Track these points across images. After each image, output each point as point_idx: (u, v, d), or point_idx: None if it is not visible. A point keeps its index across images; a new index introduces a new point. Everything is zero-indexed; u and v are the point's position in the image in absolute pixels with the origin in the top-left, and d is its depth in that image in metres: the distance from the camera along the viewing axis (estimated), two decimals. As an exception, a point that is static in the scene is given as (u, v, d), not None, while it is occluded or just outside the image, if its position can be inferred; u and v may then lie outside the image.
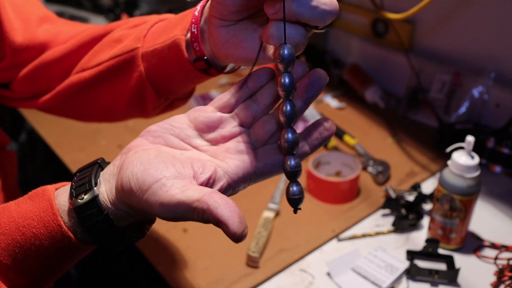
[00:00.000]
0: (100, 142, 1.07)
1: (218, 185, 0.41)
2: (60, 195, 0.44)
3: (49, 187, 0.45)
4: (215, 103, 0.46)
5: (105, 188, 0.43)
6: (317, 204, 0.90)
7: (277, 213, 0.87)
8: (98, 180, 0.44)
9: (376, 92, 1.23)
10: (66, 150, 1.05)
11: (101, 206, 0.42)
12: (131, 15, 1.66)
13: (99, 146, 1.06)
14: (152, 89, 0.60)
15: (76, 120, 0.73)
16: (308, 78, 0.43)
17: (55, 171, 1.26)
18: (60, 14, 1.73)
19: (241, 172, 0.42)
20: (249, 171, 0.42)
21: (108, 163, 0.46)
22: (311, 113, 1.15)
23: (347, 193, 0.90)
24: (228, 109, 0.45)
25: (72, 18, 1.70)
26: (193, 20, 0.53)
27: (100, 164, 0.46)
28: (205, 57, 0.54)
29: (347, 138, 1.08)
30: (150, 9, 1.77)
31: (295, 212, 0.42)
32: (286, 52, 0.40)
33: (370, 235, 0.83)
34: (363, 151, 1.04)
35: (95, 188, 0.42)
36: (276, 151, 0.43)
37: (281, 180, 0.95)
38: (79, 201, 0.42)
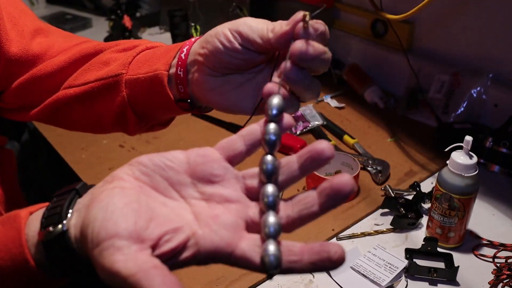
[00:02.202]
0: (101, 142, 1.08)
1: (183, 255, 0.36)
2: (32, 222, 0.41)
3: (23, 213, 0.42)
4: (224, 150, 0.40)
5: (75, 222, 0.39)
6: (317, 203, 0.91)
7: (278, 212, 0.87)
8: (70, 211, 0.39)
9: (375, 92, 1.24)
10: (68, 149, 1.05)
11: (69, 241, 0.38)
12: (132, 16, 1.67)
13: (100, 146, 1.07)
14: (133, 114, 0.62)
15: (65, 129, 0.74)
16: (309, 152, 0.38)
17: (57, 170, 1.26)
18: (62, 15, 1.74)
19: (213, 250, 0.36)
20: (223, 253, 0.36)
21: (90, 186, 0.41)
22: (311, 113, 1.16)
23: (346, 192, 0.91)
24: (239, 159, 0.40)
25: (74, 19, 1.71)
26: (180, 62, 0.54)
27: (78, 191, 0.41)
28: (189, 100, 0.56)
29: (346, 137, 1.09)
30: (151, 10, 1.77)
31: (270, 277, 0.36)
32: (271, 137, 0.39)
33: (369, 234, 0.84)
34: (362, 151, 1.05)
35: (64, 222, 0.38)
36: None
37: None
38: (47, 234, 0.38)
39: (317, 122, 1.14)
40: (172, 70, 0.55)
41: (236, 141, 0.40)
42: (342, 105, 1.25)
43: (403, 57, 1.19)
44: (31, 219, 0.41)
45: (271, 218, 0.36)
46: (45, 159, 1.32)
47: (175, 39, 1.51)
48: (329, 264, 0.35)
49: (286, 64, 0.43)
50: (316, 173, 0.89)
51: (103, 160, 1.02)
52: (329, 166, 0.97)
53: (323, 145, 0.37)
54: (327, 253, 0.35)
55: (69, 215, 0.39)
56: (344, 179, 0.36)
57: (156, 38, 1.65)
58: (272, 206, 0.37)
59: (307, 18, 0.42)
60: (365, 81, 1.26)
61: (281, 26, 0.45)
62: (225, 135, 1.18)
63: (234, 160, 0.40)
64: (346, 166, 0.96)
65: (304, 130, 1.12)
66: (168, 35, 1.61)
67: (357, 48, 1.38)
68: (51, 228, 0.38)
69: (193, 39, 0.55)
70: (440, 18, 1.19)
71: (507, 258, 0.78)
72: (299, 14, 0.43)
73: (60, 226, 0.38)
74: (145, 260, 0.33)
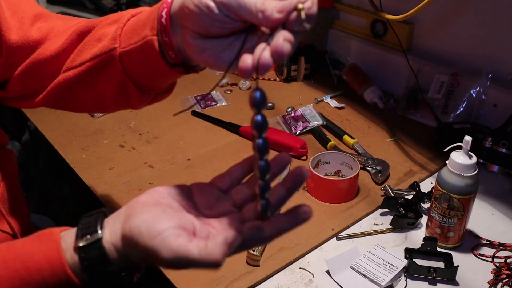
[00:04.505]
0: (102, 142, 1.08)
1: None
2: (65, 236, 0.49)
3: (55, 229, 0.50)
4: (217, 180, 0.52)
5: (109, 231, 0.48)
6: (317, 203, 0.91)
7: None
8: (102, 224, 0.48)
9: (375, 92, 1.24)
10: (69, 149, 1.06)
11: (103, 247, 0.47)
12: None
13: (101, 146, 1.07)
14: (134, 86, 0.61)
15: (71, 111, 0.74)
16: (292, 175, 0.50)
17: (58, 170, 1.27)
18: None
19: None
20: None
21: (111, 212, 0.51)
22: (311, 113, 1.16)
23: (346, 192, 0.91)
24: (235, 184, 0.52)
25: (74, 19, 1.71)
26: (162, 28, 0.53)
27: (104, 213, 0.50)
28: (182, 63, 0.55)
29: (346, 137, 1.09)
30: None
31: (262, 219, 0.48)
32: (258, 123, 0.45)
33: (369, 234, 0.84)
34: (362, 151, 1.05)
35: (99, 231, 0.47)
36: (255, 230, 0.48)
37: (281, 180, 0.95)
38: (84, 241, 0.47)
39: (317, 122, 1.14)
40: (159, 36, 0.54)
41: (225, 176, 0.52)
42: (342, 105, 1.25)
43: (402, 57, 1.19)
44: (64, 235, 0.49)
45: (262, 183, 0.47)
46: (45, 159, 1.32)
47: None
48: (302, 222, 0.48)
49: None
50: (316, 173, 0.90)
51: (104, 160, 1.02)
52: (329, 166, 0.97)
53: (302, 170, 0.49)
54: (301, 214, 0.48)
55: (102, 227, 0.48)
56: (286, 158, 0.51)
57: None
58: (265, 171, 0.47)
59: (302, 14, 0.41)
60: (364, 81, 1.27)
61: (272, 11, 0.43)
62: (225, 135, 1.18)
63: (231, 186, 0.52)
64: (346, 166, 0.96)
65: (304, 130, 1.12)
66: (168, 35, 1.61)
67: (356, 48, 1.38)
68: (88, 236, 0.47)
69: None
70: (440, 19, 1.19)
71: (506, 257, 0.79)
72: (293, 2, 0.42)
73: (95, 234, 0.47)
74: (201, 240, 0.45)
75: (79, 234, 0.48)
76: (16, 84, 0.69)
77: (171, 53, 0.54)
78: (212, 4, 0.46)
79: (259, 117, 0.44)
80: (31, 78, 0.68)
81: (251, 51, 0.45)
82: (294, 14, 0.42)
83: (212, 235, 0.46)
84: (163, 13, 0.52)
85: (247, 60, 0.44)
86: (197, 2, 0.47)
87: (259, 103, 0.44)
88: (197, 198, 0.50)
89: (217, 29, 0.47)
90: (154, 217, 0.45)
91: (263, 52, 0.42)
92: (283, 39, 0.42)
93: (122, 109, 0.69)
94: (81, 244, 0.47)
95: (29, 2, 0.70)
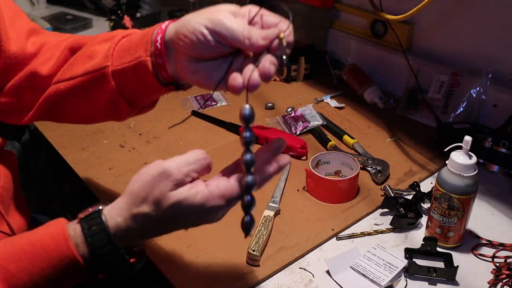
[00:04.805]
0: (102, 142, 1.08)
1: None
2: (70, 223, 0.54)
3: (61, 218, 0.55)
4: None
5: (110, 207, 0.54)
6: (317, 203, 0.91)
7: (277, 212, 0.88)
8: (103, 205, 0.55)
9: (375, 92, 1.24)
10: (69, 149, 1.06)
11: (102, 215, 0.53)
12: (133, 16, 1.67)
13: (101, 146, 1.07)
14: (124, 102, 0.65)
15: (60, 123, 0.76)
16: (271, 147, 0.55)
17: (58, 170, 1.27)
18: (63, 16, 1.74)
19: None
20: None
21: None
22: (311, 113, 1.16)
23: (346, 192, 0.91)
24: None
25: (75, 19, 1.71)
26: (157, 52, 0.58)
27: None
28: (174, 83, 0.60)
29: (346, 137, 1.09)
30: (151, 11, 1.78)
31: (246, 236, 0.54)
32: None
33: (369, 234, 0.84)
34: (362, 151, 1.05)
35: (100, 206, 0.54)
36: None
37: (281, 180, 0.96)
38: (85, 213, 0.53)
39: (317, 122, 1.14)
40: (152, 58, 0.59)
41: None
42: (342, 105, 1.25)
43: (402, 57, 1.19)
44: (69, 223, 0.54)
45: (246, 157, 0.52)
46: (45, 159, 1.32)
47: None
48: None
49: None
50: (316, 173, 0.90)
51: (104, 160, 1.02)
52: (329, 166, 0.97)
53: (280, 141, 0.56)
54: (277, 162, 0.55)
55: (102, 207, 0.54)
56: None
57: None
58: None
59: (284, 42, 0.49)
60: (364, 81, 1.27)
61: (257, 38, 0.50)
62: (225, 135, 1.18)
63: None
64: (346, 166, 0.96)
65: (304, 130, 1.12)
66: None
67: (356, 48, 1.38)
68: (89, 209, 0.54)
69: (163, 26, 0.58)
70: (440, 18, 1.19)
71: (506, 257, 0.79)
72: (275, 32, 0.50)
73: (96, 206, 0.54)
74: None
75: (80, 210, 0.54)
76: (6, 96, 0.70)
77: (163, 73, 0.59)
78: (206, 31, 0.52)
79: (247, 133, 0.51)
80: (24, 92, 0.69)
81: (238, 71, 0.52)
82: (276, 41, 0.49)
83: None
84: (158, 38, 0.58)
85: (237, 79, 0.51)
86: (192, 29, 0.53)
87: (247, 118, 0.50)
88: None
89: (209, 53, 0.54)
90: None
91: (253, 73, 0.50)
92: (269, 63, 0.50)
93: (108, 121, 0.72)
94: (82, 216, 0.53)
95: (24, 17, 0.73)
